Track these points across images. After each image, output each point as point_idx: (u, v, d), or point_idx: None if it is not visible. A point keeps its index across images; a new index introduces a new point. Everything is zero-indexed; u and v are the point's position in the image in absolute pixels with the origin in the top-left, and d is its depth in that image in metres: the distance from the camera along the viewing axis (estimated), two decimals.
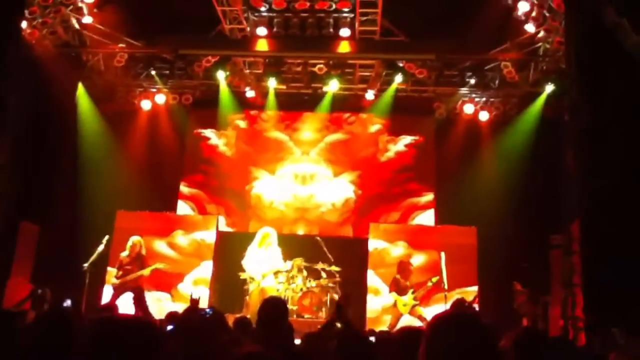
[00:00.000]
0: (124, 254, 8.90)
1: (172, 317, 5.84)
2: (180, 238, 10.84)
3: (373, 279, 10.42)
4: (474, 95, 11.23)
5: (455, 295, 8.90)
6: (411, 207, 11.44)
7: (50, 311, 4.35)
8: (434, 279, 8.98)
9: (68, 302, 7.85)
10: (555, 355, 2.12)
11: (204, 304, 9.75)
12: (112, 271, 9.42)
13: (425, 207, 11.41)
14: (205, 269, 10.62)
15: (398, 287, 9.07)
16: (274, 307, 3.78)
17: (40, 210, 10.12)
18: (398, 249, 10.50)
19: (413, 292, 8.98)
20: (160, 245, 10.65)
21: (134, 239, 8.96)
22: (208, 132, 12.05)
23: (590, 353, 3.66)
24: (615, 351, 3.39)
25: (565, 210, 8.47)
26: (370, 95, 11.35)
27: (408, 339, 2.98)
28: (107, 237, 8.96)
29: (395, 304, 9.07)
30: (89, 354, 1.86)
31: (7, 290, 9.09)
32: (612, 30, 6.89)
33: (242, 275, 9.31)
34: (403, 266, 9.30)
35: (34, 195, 9.82)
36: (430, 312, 9.20)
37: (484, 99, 11.27)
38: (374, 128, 11.88)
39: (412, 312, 8.99)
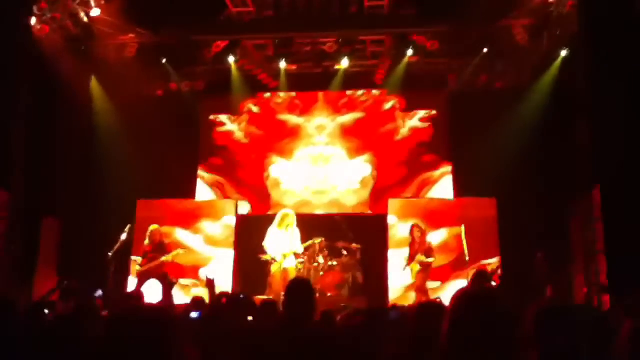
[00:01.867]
0: (146, 242, 9.03)
1: (196, 302, 5.93)
2: (201, 224, 10.92)
3: (396, 255, 10.38)
4: (487, 65, 11.08)
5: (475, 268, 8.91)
6: (427, 180, 11.42)
7: (79, 303, 4.45)
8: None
9: (99, 292, 8.00)
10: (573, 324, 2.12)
11: (226, 286, 9.90)
12: (136, 260, 9.56)
13: (440, 179, 11.37)
14: (227, 253, 10.72)
15: (412, 253, 9.12)
16: (300, 288, 3.82)
17: (61, 204, 10.27)
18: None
19: (420, 259, 8.99)
20: (181, 233, 10.75)
21: (152, 227, 9.10)
22: (222, 118, 12.09)
23: (611, 318, 3.65)
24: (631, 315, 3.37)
25: (584, 177, 8.39)
26: (382, 70, 11.28)
27: (424, 314, 3.01)
28: (129, 225, 9.08)
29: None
30: (107, 345, 1.91)
31: (35, 284, 9.29)
32: None
33: (264, 257, 9.39)
34: (414, 230, 9.30)
35: (53, 190, 9.96)
36: (453, 287, 9.24)
37: (498, 68, 11.12)
38: (388, 105, 11.82)
39: (417, 277, 9.04)
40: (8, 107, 7.76)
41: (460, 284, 9.54)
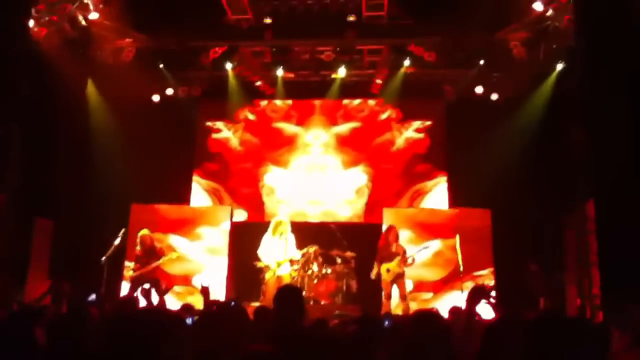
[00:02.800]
0: (137, 248, 9.00)
1: (187, 308, 5.91)
2: (196, 230, 10.89)
3: None
4: (483, 77, 11.14)
5: (469, 282, 8.88)
6: (422, 190, 11.45)
7: (70, 307, 4.43)
8: (426, 244, 9.04)
9: (93, 297, 7.95)
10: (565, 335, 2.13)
11: (220, 293, 9.86)
12: (129, 265, 9.51)
13: (434, 189, 11.41)
14: (221, 260, 10.69)
15: (384, 255, 8.79)
16: (288, 295, 3.81)
17: (54, 206, 10.22)
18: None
19: (400, 260, 8.66)
20: (174, 239, 10.71)
21: (142, 233, 9.03)
22: (219, 125, 12.09)
23: (602, 329, 3.66)
24: (621, 328, 3.39)
25: (578, 189, 8.43)
26: (379, 80, 11.32)
27: (420, 324, 3.01)
28: (123, 230, 9.05)
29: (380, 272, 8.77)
30: (107, 346, 1.90)
31: (27, 285, 9.24)
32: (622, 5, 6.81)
33: (258, 264, 9.37)
34: (390, 231, 9.00)
35: (47, 191, 9.93)
36: (448, 300, 9.20)
37: (493, 80, 11.19)
38: (384, 115, 11.86)
39: (397, 283, 8.73)
40: (4, 108, 7.73)
41: (453, 295, 9.53)
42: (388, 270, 8.70)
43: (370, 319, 4.51)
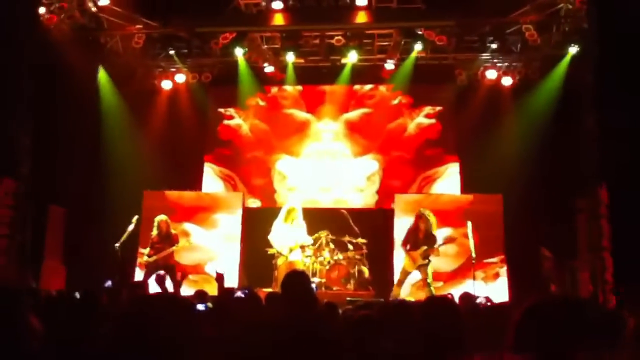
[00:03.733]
0: (153, 233, 9.03)
1: (201, 294, 5.95)
2: (208, 216, 10.93)
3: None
4: (495, 61, 11.05)
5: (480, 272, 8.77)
6: (434, 176, 11.41)
7: (84, 292, 4.47)
8: (446, 239, 8.74)
9: (109, 283, 8.01)
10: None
11: (232, 279, 9.92)
12: (142, 251, 9.56)
13: (446, 175, 11.37)
14: (234, 246, 10.73)
15: (411, 241, 8.52)
16: (296, 279, 3.83)
17: (67, 193, 10.30)
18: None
19: (425, 250, 8.39)
20: (187, 225, 10.75)
21: (159, 218, 9.05)
22: (230, 111, 12.08)
23: (615, 315, 3.64)
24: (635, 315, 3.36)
25: (590, 174, 8.36)
26: (390, 65, 11.25)
27: (432, 308, 3.00)
28: (136, 217, 9.10)
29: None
30: (124, 333, 1.91)
31: (41, 272, 9.34)
32: None
33: (270, 251, 9.40)
34: (420, 217, 8.63)
35: (60, 179, 10.00)
36: (460, 289, 9.01)
37: (506, 63, 11.10)
38: (395, 101, 11.80)
39: (420, 270, 8.47)
40: (15, 96, 7.78)
41: (465, 284, 9.33)
42: (413, 260, 8.42)
43: (382, 304, 4.53)
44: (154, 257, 8.83)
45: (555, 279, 9.26)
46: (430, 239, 8.46)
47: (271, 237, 9.12)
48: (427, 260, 8.46)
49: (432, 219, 8.59)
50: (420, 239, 8.49)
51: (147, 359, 1.82)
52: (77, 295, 4.62)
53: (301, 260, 9.13)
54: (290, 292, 3.66)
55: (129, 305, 2.13)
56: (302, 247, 9.13)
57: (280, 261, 9.02)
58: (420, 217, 8.64)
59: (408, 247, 8.54)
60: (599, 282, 8.24)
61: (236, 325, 3.25)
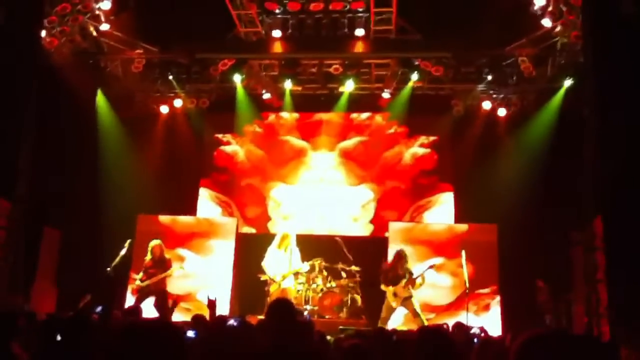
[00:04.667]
0: (147, 258, 8.97)
1: (197, 320, 5.87)
2: (201, 242, 10.87)
3: None
4: (491, 92, 11.16)
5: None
6: (428, 205, 11.42)
7: (75, 316, 4.42)
8: (432, 262, 8.77)
9: (99, 309, 7.91)
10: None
11: (224, 306, 9.83)
12: (135, 277, 9.45)
13: (440, 204, 11.38)
14: (227, 272, 10.66)
15: (389, 276, 8.58)
16: (279, 308, 3.80)
17: (62, 215, 10.26)
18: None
19: (406, 283, 8.44)
20: (180, 250, 10.69)
21: (153, 243, 9.00)
22: (227, 137, 12.12)
23: (610, 347, 3.63)
24: (627, 345, 3.36)
25: (586, 206, 8.38)
26: (386, 94, 11.35)
27: (426, 339, 2.98)
28: (129, 241, 9.04)
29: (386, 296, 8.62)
30: (110, 356, 1.89)
31: (33, 294, 9.24)
32: (630, 22, 6.81)
33: (263, 277, 9.34)
34: (399, 256, 8.78)
35: (55, 201, 9.97)
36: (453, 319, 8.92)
37: (501, 95, 11.21)
38: (391, 130, 11.86)
39: (405, 305, 8.52)
40: (15, 117, 7.78)
41: (459, 316, 9.19)
42: (395, 295, 8.46)
43: (375, 333, 4.49)
44: (146, 282, 8.75)
45: (550, 310, 9.20)
46: (408, 274, 8.54)
47: (264, 264, 9.08)
48: (409, 293, 8.46)
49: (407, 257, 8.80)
50: (399, 275, 8.56)
51: None
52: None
53: (294, 288, 9.07)
54: (273, 321, 3.63)
55: (121, 332, 2.11)
56: (296, 274, 9.08)
57: (272, 288, 8.97)
58: (399, 256, 8.77)
59: (389, 284, 8.56)
60: (594, 314, 8.20)
61: (228, 355, 3.22)
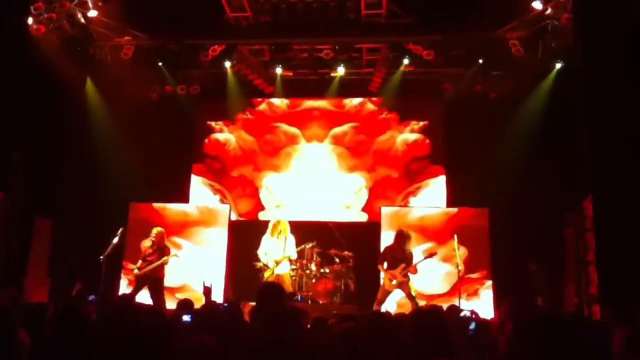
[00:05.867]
0: (147, 244, 8.87)
1: (185, 304, 5.87)
2: (194, 229, 10.85)
3: None
4: (482, 75, 11.14)
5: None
6: (420, 189, 11.45)
7: (67, 306, 4.41)
8: (426, 253, 8.69)
9: (92, 297, 7.90)
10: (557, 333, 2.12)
11: (219, 293, 9.85)
12: (131, 266, 9.38)
13: (433, 188, 11.41)
14: (220, 259, 10.65)
15: (388, 259, 8.45)
16: (268, 292, 3.81)
17: (53, 204, 10.21)
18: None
19: (404, 268, 8.31)
20: (174, 238, 10.65)
21: (157, 229, 8.93)
22: (218, 124, 12.08)
23: (602, 328, 3.66)
24: (622, 326, 3.39)
25: (577, 188, 8.42)
26: (378, 78, 11.32)
27: (419, 321, 3.00)
28: (121, 229, 8.99)
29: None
30: (105, 342, 1.90)
31: (25, 285, 9.22)
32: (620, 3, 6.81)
33: (257, 264, 9.36)
34: (400, 235, 8.57)
35: (46, 190, 9.91)
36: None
37: (492, 78, 11.19)
38: (383, 115, 11.85)
39: (401, 287, 8.37)
40: (4, 108, 7.73)
41: (452, 301, 9.19)
42: (392, 278, 8.35)
43: (371, 315, 4.49)
44: (144, 270, 8.69)
45: (543, 293, 9.27)
46: (408, 257, 8.42)
47: (259, 252, 9.10)
48: (406, 278, 8.38)
49: (411, 236, 8.61)
50: (398, 258, 8.43)
51: None
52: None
53: (288, 273, 9.10)
54: (262, 304, 3.64)
55: (114, 316, 2.11)
56: (290, 260, 9.09)
57: (267, 274, 8.98)
58: (400, 236, 8.58)
59: (385, 265, 8.49)
60: (584, 295, 8.28)
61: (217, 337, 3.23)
